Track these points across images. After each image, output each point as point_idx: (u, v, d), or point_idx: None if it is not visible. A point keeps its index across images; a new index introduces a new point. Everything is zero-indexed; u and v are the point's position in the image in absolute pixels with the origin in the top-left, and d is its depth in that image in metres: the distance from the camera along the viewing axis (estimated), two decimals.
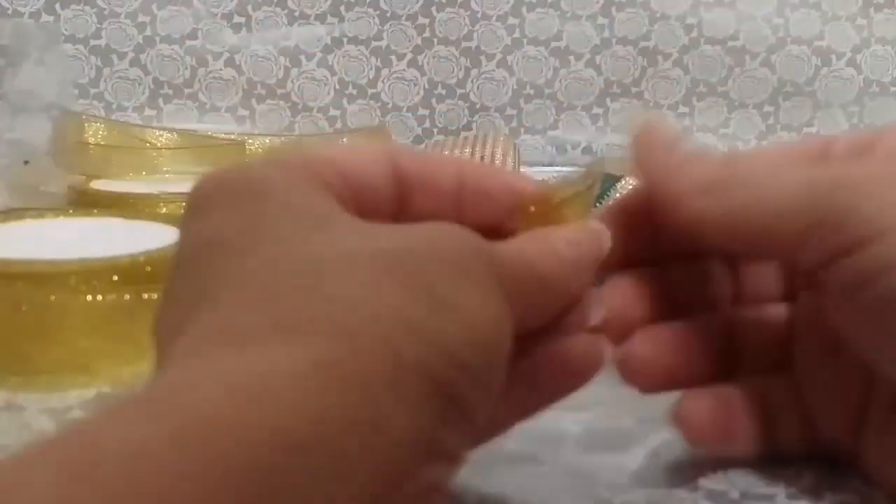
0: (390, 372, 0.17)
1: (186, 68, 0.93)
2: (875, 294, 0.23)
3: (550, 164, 0.93)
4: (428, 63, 0.95)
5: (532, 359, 0.24)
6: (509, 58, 0.94)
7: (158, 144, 0.69)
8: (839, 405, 0.27)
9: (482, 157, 0.72)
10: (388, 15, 0.94)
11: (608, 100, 0.96)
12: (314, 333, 0.17)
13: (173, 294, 0.21)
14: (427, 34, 0.94)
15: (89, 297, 0.37)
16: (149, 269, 0.39)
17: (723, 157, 0.27)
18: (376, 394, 0.17)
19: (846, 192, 0.24)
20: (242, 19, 0.93)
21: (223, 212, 0.22)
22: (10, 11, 0.90)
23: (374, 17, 0.94)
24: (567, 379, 0.25)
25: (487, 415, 0.20)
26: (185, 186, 0.24)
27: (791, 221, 0.25)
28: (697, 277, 0.30)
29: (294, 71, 0.94)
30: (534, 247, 0.24)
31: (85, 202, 0.58)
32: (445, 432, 0.18)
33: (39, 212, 0.48)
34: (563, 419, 0.30)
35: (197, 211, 0.22)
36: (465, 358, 0.18)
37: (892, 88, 0.96)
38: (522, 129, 0.96)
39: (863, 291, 0.24)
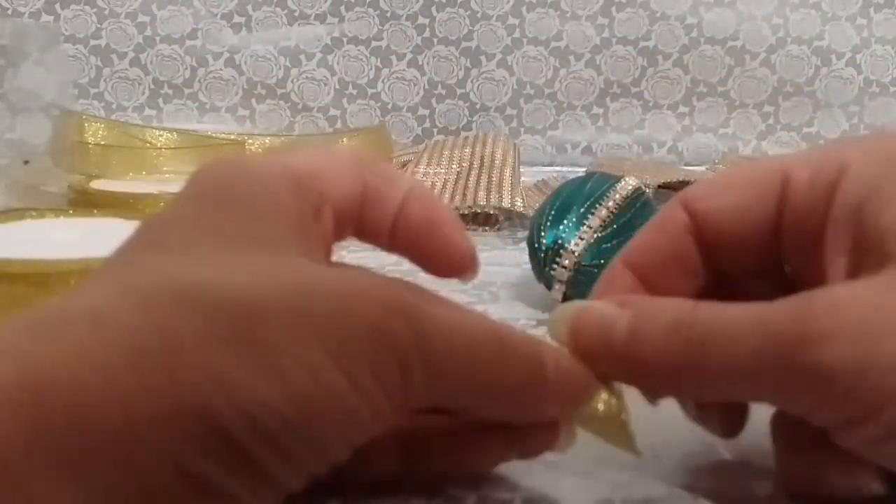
0: (154, 403, 0.18)
1: (186, 68, 0.93)
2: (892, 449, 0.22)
3: (550, 164, 0.93)
4: (428, 63, 0.95)
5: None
6: (509, 58, 0.95)
7: (158, 144, 0.69)
8: None
9: (482, 157, 0.72)
10: (388, 15, 0.94)
11: (608, 100, 0.96)
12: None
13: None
14: (427, 34, 0.94)
15: None
16: None
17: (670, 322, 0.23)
18: (127, 412, 0.18)
19: (818, 350, 0.21)
20: (242, 19, 0.93)
21: (188, 207, 0.23)
22: (10, 11, 0.90)
23: (374, 17, 0.94)
24: None
25: (300, 476, 0.20)
26: None
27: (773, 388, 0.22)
28: None
29: (294, 71, 0.94)
30: (518, 351, 0.23)
31: (85, 202, 0.58)
32: (220, 474, 0.19)
33: (39, 212, 0.47)
34: None
35: (181, 194, 0.24)
36: (261, 417, 0.19)
37: (892, 88, 0.96)
38: (522, 129, 0.96)
39: (881, 446, 0.22)
